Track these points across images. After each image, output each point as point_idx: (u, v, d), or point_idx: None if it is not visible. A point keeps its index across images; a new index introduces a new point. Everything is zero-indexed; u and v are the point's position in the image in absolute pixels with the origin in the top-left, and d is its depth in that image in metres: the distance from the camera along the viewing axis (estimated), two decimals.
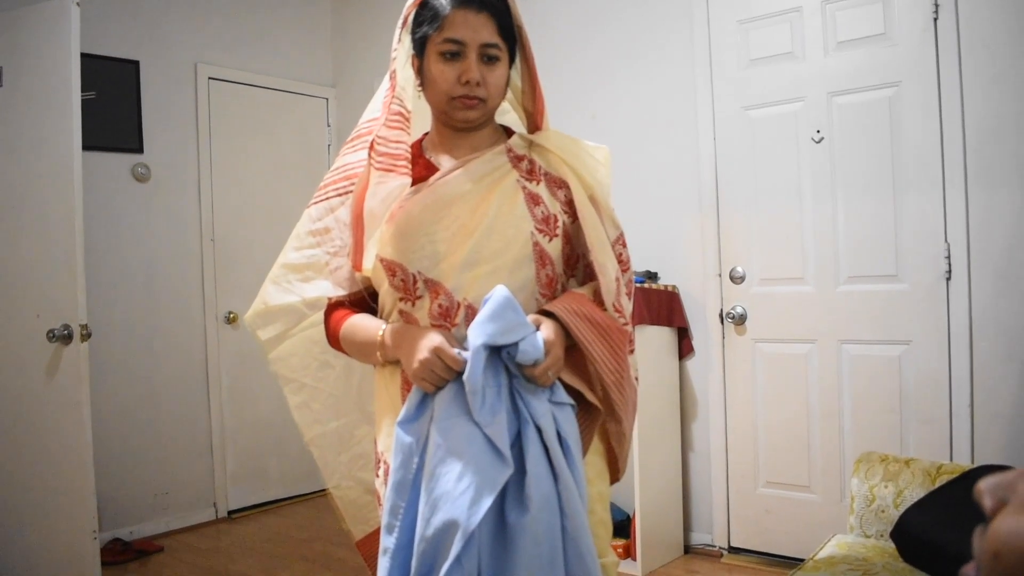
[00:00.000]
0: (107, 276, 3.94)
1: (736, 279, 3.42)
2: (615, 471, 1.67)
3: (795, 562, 3.29)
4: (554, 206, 1.54)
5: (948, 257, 2.91)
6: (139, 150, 4.14)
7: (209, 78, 4.44)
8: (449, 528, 1.30)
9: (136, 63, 4.12)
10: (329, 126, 5.03)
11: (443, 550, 1.31)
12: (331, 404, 1.79)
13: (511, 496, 1.37)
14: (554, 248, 1.53)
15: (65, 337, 3.12)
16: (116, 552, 3.68)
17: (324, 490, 5.13)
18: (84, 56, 3.24)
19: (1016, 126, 2.77)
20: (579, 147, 1.63)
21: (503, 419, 1.37)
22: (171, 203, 4.27)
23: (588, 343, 1.46)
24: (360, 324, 1.57)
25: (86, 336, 3.16)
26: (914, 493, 2.08)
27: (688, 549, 3.58)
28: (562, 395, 1.46)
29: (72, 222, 3.18)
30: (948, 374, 2.93)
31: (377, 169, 1.50)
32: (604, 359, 1.49)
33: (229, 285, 4.48)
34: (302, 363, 1.77)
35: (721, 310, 3.48)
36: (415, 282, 1.49)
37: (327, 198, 1.68)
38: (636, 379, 1.65)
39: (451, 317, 1.48)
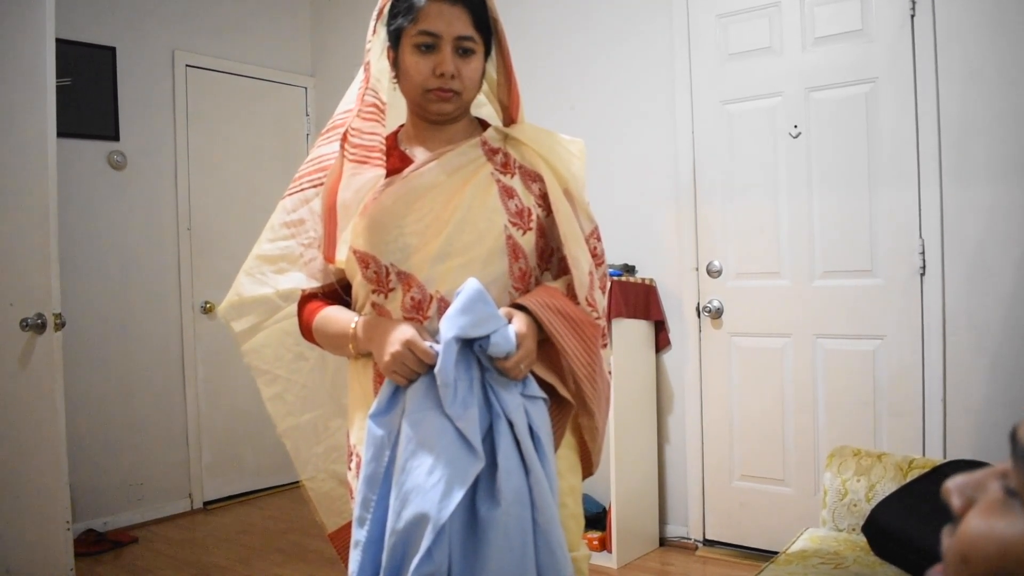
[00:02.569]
0: (82, 264, 3.90)
1: (713, 273, 3.44)
2: (588, 465, 1.67)
3: (769, 555, 3.31)
4: (528, 199, 1.54)
5: (922, 253, 2.93)
6: (115, 137, 4.09)
7: (187, 65, 4.39)
8: (420, 521, 1.30)
9: (113, 49, 4.07)
10: (308, 115, 5.00)
11: (413, 543, 1.31)
12: (305, 396, 1.79)
13: (482, 490, 1.37)
14: (527, 241, 1.53)
15: (38, 326, 3.09)
16: (90, 543, 3.65)
17: (300, 481, 5.09)
18: (59, 42, 3.20)
19: (990, 124, 2.79)
20: (554, 140, 1.63)
21: (475, 412, 1.37)
22: (147, 191, 4.23)
23: (560, 337, 1.46)
24: (332, 316, 1.56)
25: (60, 325, 3.13)
26: (886, 487, 2.10)
27: (663, 541, 3.60)
28: (534, 389, 1.46)
29: (46, 210, 3.14)
30: (921, 369, 2.96)
31: (350, 161, 1.49)
32: (576, 353, 1.49)
33: (205, 274, 4.44)
34: (276, 354, 1.76)
35: (698, 304, 3.49)
36: (387, 274, 1.49)
37: (301, 189, 1.67)
38: (609, 373, 1.65)
39: (423, 310, 1.47)
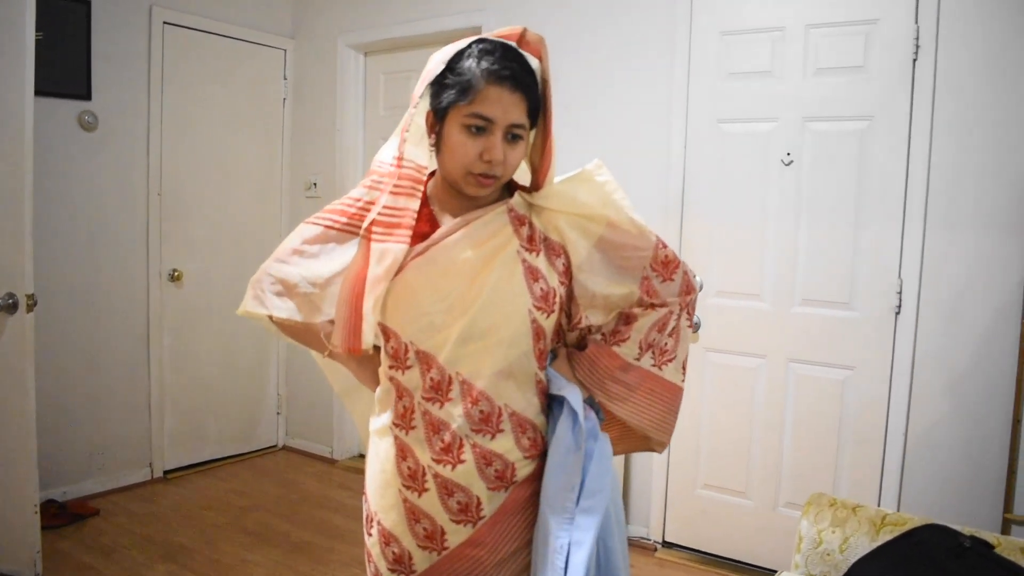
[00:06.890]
0: (48, 229, 3.78)
1: None
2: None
3: (726, 561, 3.46)
4: (552, 279, 1.52)
5: (900, 292, 3.02)
6: (87, 97, 3.93)
7: (164, 23, 4.21)
8: None
9: (87, 3, 3.89)
10: (286, 79, 4.85)
11: None
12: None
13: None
14: (549, 324, 1.54)
15: (10, 307, 2.99)
16: (51, 515, 3.61)
17: (259, 451, 5.07)
18: None
19: (979, 174, 2.87)
20: (577, 190, 1.56)
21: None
22: (118, 154, 4.09)
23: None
24: None
25: (32, 306, 3.04)
26: (859, 541, 2.20)
27: None
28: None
29: (21, 181, 3.01)
30: (887, 402, 3.08)
31: (374, 242, 1.46)
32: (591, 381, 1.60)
33: (174, 241, 4.34)
34: None
35: None
36: (406, 351, 1.49)
37: (320, 225, 1.60)
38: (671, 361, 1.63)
39: (444, 392, 1.47)
